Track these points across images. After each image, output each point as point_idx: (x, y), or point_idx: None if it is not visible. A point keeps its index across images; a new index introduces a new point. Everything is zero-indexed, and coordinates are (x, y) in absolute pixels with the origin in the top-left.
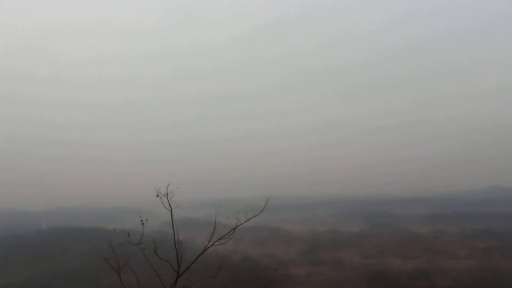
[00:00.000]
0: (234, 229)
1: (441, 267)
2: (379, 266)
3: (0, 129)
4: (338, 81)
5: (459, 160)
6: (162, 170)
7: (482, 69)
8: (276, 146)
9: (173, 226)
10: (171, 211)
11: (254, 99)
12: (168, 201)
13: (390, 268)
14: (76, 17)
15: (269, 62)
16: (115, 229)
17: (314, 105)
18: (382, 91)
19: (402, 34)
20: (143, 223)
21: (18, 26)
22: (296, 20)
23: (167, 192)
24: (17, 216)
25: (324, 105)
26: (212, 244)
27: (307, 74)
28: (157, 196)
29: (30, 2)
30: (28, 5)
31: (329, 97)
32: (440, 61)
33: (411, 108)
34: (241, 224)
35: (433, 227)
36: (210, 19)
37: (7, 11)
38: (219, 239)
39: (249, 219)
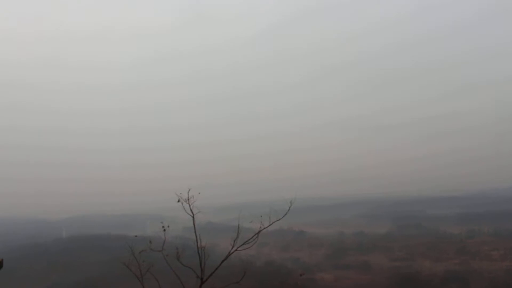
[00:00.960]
0: (257, 233)
1: (475, 269)
2: (408, 269)
3: (17, 139)
4: (355, 76)
5: (488, 155)
6: (181, 175)
7: (505, 57)
8: (297, 146)
9: (195, 232)
10: (193, 217)
11: (272, 97)
12: (189, 206)
13: (420, 270)
14: (83, 22)
15: (285, 60)
16: (136, 236)
17: (331, 102)
18: (401, 85)
19: (417, 25)
20: (164, 230)
21: (26, 33)
22: (309, 16)
23: (188, 197)
24: (37, 224)
25: (342, 102)
26: (236, 249)
27: (322, 70)
28: (178, 201)
29: (37, 8)
30: (35, 10)
31: (347, 93)
32: (459, 51)
33: (433, 102)
34: (264, 228)
35: (465, 227)
36: (222, 18)
37: (13, 17)
38: (242, 244)
39: (273, 222)
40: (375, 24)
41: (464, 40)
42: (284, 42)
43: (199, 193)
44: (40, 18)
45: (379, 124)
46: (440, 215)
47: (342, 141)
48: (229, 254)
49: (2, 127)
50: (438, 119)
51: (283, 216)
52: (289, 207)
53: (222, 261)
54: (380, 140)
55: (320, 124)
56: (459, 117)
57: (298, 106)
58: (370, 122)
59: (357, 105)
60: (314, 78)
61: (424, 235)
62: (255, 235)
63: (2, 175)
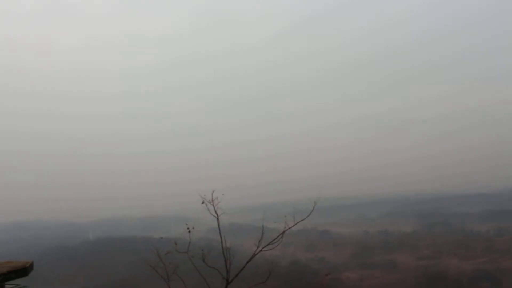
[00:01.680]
0: (282, 233)
1: (505, 267)
2: (435, 267)
3: (47, 147)
4: (372, 74)
5: None
6: (204, 177)
7: None
8: (319, 145)
9: (220, 233)
10: (217, 218)
11: (290, 97)
12: (214, 207)
13: (448, 269)
14: (106, 32)
15: (304, 59)
16: (161, 238)
17: (350, 100)
18: (420, 81)
19: (431, 22)
20: (189, 231)
21: (49, 44)
22: (324, 16)
23: (212, 198)
24: (64, 227)
25: (360, 100)
26: (261, 250)
27: (339, 69)
28: (203, 203)
29: (61, 20)
30: (58, 23)
31: (364, 91)
32: (479, 43)
33: (453, 97)
34: (289, 228)
35: (493, 224)
36: (238, 21)
37: (37, 28)
38: (267, 245)
39: (297, 222)
40: (389, 22)
41: (479, 34)
42: (300, 42)
43: (223, 195)
44: (62, 29)
45: (399, 121)
46: (467, 213)
47: (363, 138)
48: (254, 255)
49: (32, 135)
50: (460, 114)
51: (308, 216)
52: (313, 207)
53: (248, 262)
54: (401, 137)
55: (341, 123)
56: (482, 111)
57: (318, 105)
58: (390, 119)
59: (376, 103)
60: (332, 77)
61: (451, 233)
62: (279, 235)
63: (31, 181)
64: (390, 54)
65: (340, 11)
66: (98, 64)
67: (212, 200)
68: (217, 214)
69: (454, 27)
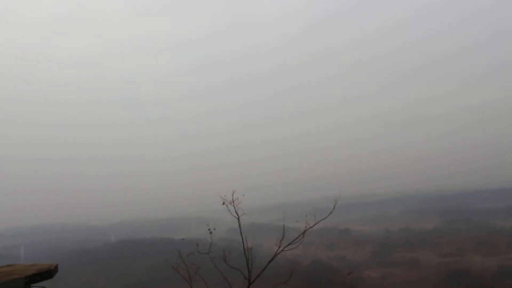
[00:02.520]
0: (303, 233)
1: None
2: (458, 264)
3: (65, 152)
4: (387, 69)
5: None
6: (223, 177)
7: None
8: (338, 142)
9: (241, 233)
10: (238, 218)
11: (309, 94)
12: (234, 208)
13: (471, 266)
14: (122, 39)
15: (321, 56)
16: (183, 239)
17: (368, 95)
18: (437, 75)
19: (444, 15)
20: (211, 232)
21: (64, 52)
22: (332, 16)
23: (233, 199)
24: (86, 230)
25: (378, 95)
26: (282, 250)
27: (358, 64)
28: (223, 204)
29: (77, 28)
30: (74, 31)
31: (382, 86)
32: (482, 40)
33: (472, 90)
34: (310, 227)
35: None
36: (259, 19)
37: (54, 36)
38: (288, 244)
39: (318, 222)
40: (390, 22)
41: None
42: (318, 40)
43: (243, 195)
44: (79, 37)
45: (416, 116)
46: (489, 208)
47: (382, 135)
48: (276, 255)
49: (54, 142)
50: (479, 108)
51: (329, 215)
52: (334, 206)
53: (269, 262)
54: (420, 132)
55: (359, 119)
56: (500, 105)
57: (335, 102)
58: (407, 114)
59: (391, 99)
60: (350, 72)
61: (473, 230)
62: (300, 234)
63: (53, 186)
64: (406, 49)
65: (343, 12)
66: (114, 70)
67: (233, 201)
68: (238, 215)
69: (455, 25)
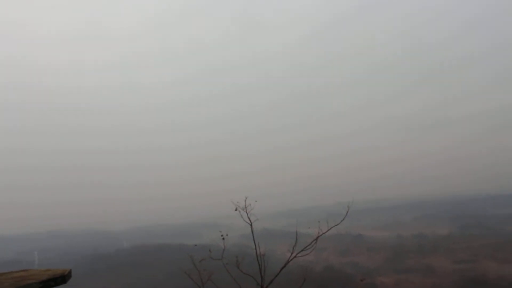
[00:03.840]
0: (316, 239)
1: None
2: (473, 271)
3: (79, 160)
4: (403, 73)
5: None
6: (236, 184)
7: None
8: (352, 148)
9: (254, 239)
10: (251, 224)
11: (322, 100)
12: (247, 214)
13: (487, 273)
14: (138, 49)
15: (336, 59)
16: (196, 245)
17: (381, 101)
18: (452, 78)
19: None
20: (223, 238)
21: (84, 63)
22: (359, 14)
23: (245, 205)
24: (99, 236)
25: (391, 100)
26: (295, 256)
27: (372, 68)
28: (236, 210)
29: (96, 40)
30: (93, 43)
31: (395, 92)
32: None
33: (488, 95)
34: (323, 233)
35: None
36: (270, 26)
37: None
38: (301, 250)
39: (331, 228)
40: (418, 21)
41: None
42: (331, 45)
43: (256, 201)
44: (96, 49)
45: (430, 121)
46: (505, 214)
47: (394, 141)
48: (289, 261)
49: (69, 151)
50: (495, 112)
51: (342, 221)
52: (347, 211)
53: (282, 268)
54: (434, 138)
55: (373, 124)
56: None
57: (349, 107)
58: (421, 119)
59: (406, 103)
60: (363, 78)
61: (489, 236)
62: (313, 240)
63: (66, 193)
64: (424, 51)
65: (357, 16)
66: (128, 79)
67: (245, 207)
68: (250, 221)
69: (474, 27)
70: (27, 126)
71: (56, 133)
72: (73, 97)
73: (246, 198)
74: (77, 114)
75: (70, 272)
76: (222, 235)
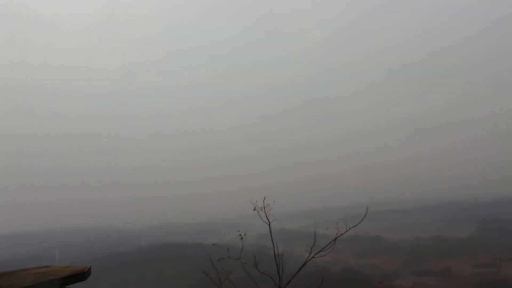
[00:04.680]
0: (334, 240)
1: None
2: (494, 276)
3: (102, 162)
4: (422, 73)
5: None
6: (255, 184)
7: None
8: (370, 149)
9: (272, 240)
10: (269, 225)
11: (342, 101)
12: (265, 214)
13: (509, 278)
14: (158, 52)
15: (355, 61)
16: (214, 244)
17: (401, 100)
18: (472, 77)
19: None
20: (242, 238)
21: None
22: (379, 15)
23: (264, 205)
24: (117, 234)
25: (409, 100)
26: (313, 256)
27: (392, 68)
28: (254, 209)
29: (113, 45)
30: (109, 48)
31: (414, 92)
32: None
33: (507, 93)
34: (341, 234)
35: None
36: (294, 28)
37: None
38: (319, 251)
39: (350, 229)
40: (434, 22)
41: None
42: (350, 46)
43: (275, 201)
44: (113, 54)
45: (452, 121)
46: None
47: (414, 141)
48: (306, 261)
49: (89, 152)
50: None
51: (360, 222)
52: (366, 213)
53: (300, 268)
54: (455, 137)
55: (390, 125)
56: None
57: (368, 107)
58: (442, 119)
59: (426, 103)
60: (381, 78)
61: (511, 240)
62: (332, 241)
63: (86, 191)
64: (442, 51)
65: (375, 19)
66: (147, 82)
67: (264, 207)
68: (269, 221)
69: (490, 28)
70: (45, 129)
71: (76, 136)
72: (92, 101)
73: (264, 198)
74: (95, 117)
75: (89, 269)
76: (240, 235)
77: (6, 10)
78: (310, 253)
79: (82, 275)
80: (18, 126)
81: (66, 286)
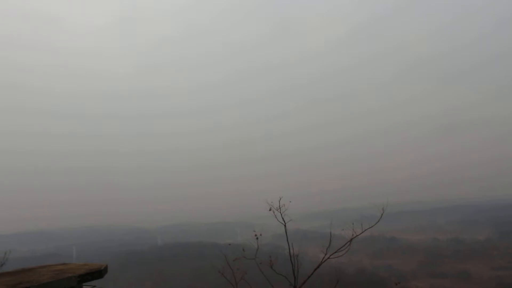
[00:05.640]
0: (350, 241)
1: None
2: None
3: (120, 162)
4: (441, 70)
5: None
6: (270, 184)
7: None
8: (385, 149)
9: (287, 240)
10: (285, 225)
11: (357, 99)
12: (281, 214)
13: None
14: (174, 54)
15: (368, 60)
16: (229, 244)
17: (415, 99)
18: (491, 75)
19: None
20: (257, 238)
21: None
22: (393, 14)
23: (279, 205)
24: (134, 233)
25: (425, 99)
26: (329, 257)
27: (409, 66)
28: (270, 210)
29: (128, 48)
30: (125, 51)
31: (428, 91)
32: None
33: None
34: (357, 235)
35: None
36: (305, 28)
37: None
38: (335, 252)
39: (366, 230)
40: (452, 19)
41: None
42: (367, 44)
43: (290, 202)
44: (129, 57)
45: (466, 120)
46: None
47: (431, 141)
48: (322, 262)
49: (107, 153)
50: None
51: (376, 223)
52: (382, 214)
53: (316, 269)
54: (470, 137)
55: (406, 124)
56: None
57: (385, 105)
58: (456, 119)
59: (441, 102)
60: (398, 76)
61: None
62: (347, 242)
63: (103, 191)
64: (452, 53)
65: (391, 16)
66: (164, 83)
67: (279, 207)
68: (284, 222)
69: (508, 24)
70: (64, 129)
71: (93, 136)
72: (109, 102)
73: (280, 199)
74: (112, 117)
75: (106, 267)
76: (256, 235)
77: (27, 13)
78: (325, 254)
79: (99, 273)
80: (33, 125)
81: (83, 284)
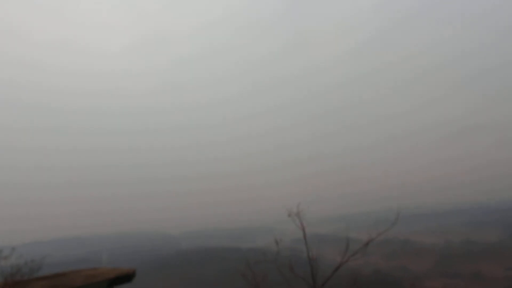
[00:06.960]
0: (366, 244)
1: None
2: None
3: (149, 172)
4: (449, 76)
5: None
6: (289, 189)
7: None
8: (398, 154)
9: (306, 244)
10: (303, 230)
11: (369, 107)
12: (300, 219)
13: None
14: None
15: (382, 69)
16: (251, 248)
17: (426, 105)
18: (498, 80)
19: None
20: (277, 242)
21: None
22: (402, 24)
23: (298, 211)
24: (159, 238)
25: (436, 105)
26: (347, 260)
27: (418, 74)
28: (289, 215)
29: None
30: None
31: (439, 96)
32: None
33: None
34: (373, 239)
35: None
36: (320, 39)
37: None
38: (353, 255)
39: (382, 233)
40: (459, 27)
41: None
42: (377, 54)
43: (309, 207)
44: (149, 57)
45: (475, 124)
46: None
47: (443, 144)
48: (340, 265)
49: (139, 164)
50: None
51: (392, 226)
52: (397, 217)
53: (334, 271)
54: (480, 141)
55: (417, 129)
56: None
57: (397, 112)
58: (466, 123)
59: (450, 107)
60: (408, 84)
61: None
62: (364, 245)
63: (132, 199)
64: (459, 60)
65: (400, 26)
66: (193, 98)
67: (298, 213)
68: (303, 226)
69: None
70: (97, 144)
71: (121, 150)
72: (131, 100)
73: (298, 204)
74: (137, 132)
75: (134, 271)
76: (276, 240)
77: (57, 42)
78: (343, 257)
79: (128, 277)
80: (67, 143)
81: (113, 287)
